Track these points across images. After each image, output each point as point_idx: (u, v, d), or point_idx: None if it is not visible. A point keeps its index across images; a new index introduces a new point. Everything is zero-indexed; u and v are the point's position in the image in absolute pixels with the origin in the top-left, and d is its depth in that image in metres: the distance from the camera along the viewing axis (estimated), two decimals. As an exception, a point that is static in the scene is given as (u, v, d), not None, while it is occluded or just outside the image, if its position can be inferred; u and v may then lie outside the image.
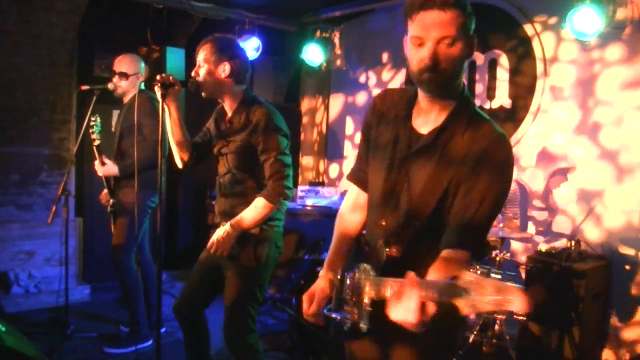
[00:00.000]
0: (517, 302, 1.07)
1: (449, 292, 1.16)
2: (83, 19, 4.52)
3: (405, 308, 1.22)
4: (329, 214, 4.40)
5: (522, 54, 4.22)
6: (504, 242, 3.61)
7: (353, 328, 1.58)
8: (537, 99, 4.13)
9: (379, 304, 1.45)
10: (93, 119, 3.50)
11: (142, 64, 3.73)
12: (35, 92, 4.49)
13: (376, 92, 5.35)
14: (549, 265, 3.44)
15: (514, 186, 4.06)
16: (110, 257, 3.62)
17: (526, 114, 4.18)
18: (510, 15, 4.27)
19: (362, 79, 5.56)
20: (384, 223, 1.58)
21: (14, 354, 2.25)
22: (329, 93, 5.98)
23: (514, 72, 4.28)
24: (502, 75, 4.34)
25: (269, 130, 2.41)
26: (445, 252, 1.44)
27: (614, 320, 3.64)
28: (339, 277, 1.67)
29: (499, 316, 3.33)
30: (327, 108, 6.01)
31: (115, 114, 4.76)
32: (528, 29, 4.16)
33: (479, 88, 4.47)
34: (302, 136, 6.18)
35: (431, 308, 1.20)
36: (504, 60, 4.33)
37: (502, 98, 4.35)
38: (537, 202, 4.09)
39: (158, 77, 2.27)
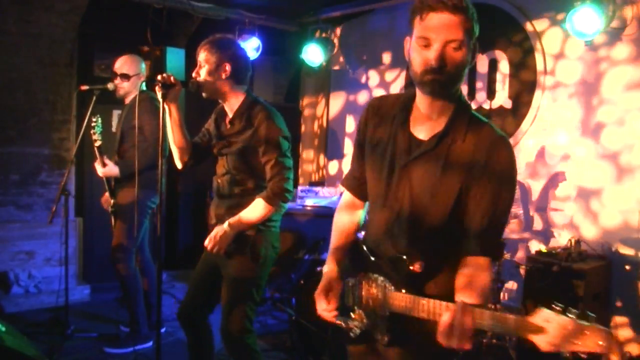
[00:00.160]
0: (609, 346, 1.09)
1: (523, 327, 1.20)
2: (83, 19, 4.52)
3: (459, 337, 1.27)
4: (328, 214, 4.37)
5: (522, 54, 4.22)
6: (504, 242, 3.61)
7: (362, 336, 1.58)
8: (537, 99, 4.13)
9: (400, 319, 1.48)
10: (94, 119, 3.50)
11: (143, 64, 3.73)
12: (35, 92, 4.49)
13: (376, 92, 5.39)
14: (549, 265, 3.44)
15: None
16: (110, 257, 3.62)
17: (526, 114, 4.19)
18: (510, 15, 4.27)
19: (362, 79, 5.56)
20: (387, 231, 1.58)
21: (14, 354, 2.25)
22: (328, 93, 5.98)
23: (514, 72, 4.28)
24: (502, 75, 4.35)
25: (271, 132, 2.40)
26: (468, 261, 1.47)
27: (614, 320, 3.64)
28: (344, 284, 1.67)
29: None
30: (327, 108, 6.01)
31: (115, 114, 4.77)
32: (528, 28, 4.17)
33: (479, 88, 4.47)
34: (302, 136, 6.19)
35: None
36: (504, 61, 4.33)
37: (502, 98, 4.35)
38: (537, 202, 4.09)
39: (159, 78, 2.27)
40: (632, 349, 3.55)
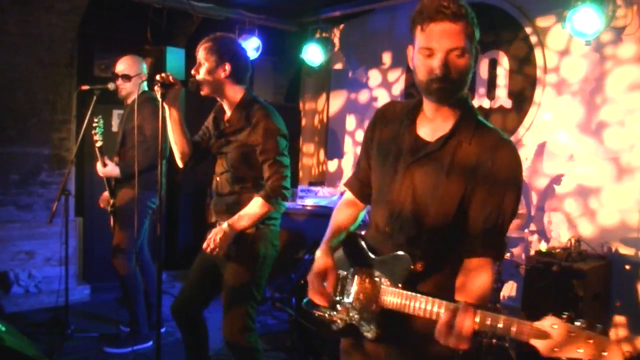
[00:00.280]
0: (612, 357, 1.09)
1: (527, 332, 1.19)
2: (83, 19, 4.52)
3: (457, 337, 1.27)
4: (328, 214, 4.36)
5: (522, 54, 4.22)
6: (506, 243, 3.60)
7: (346, 329, 1.59)
8: (537, 99, 4.13)
9: (392, 314, 1.48)
10: (96, 120, 3.50)
11: (144, 65, 3.73)
12: (35, 92, 4.49)
13: (376, 92, 5.40)
14: (549, 265, 3.44)
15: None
16: (110, 257, 3.62)
17: (526, 114, 4.19)
18: (510, 15, 4.27)
19: (362, 78, 5.56)
20: (387, 230, 1.59)
21: (14, 354, 2.25)
22: (329, 93, 5.98)
23: (514, 72, 4.28)
24: (503, 75, 4.35)
25: (269, 131, 2.41)
26: (470, 262, 1.48)
27: (614, 320, 3.64)
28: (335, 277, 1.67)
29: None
30: (327, 108, 6.01)
31: (115, 113, 4.77)
32: (528, 28, 4.17)
33: (479, 88, 4.47)
34: (302, 135, 6.18)
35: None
36: (504, 60, 4.33)
37: (502, 98, 4.35)
38: (537, 202, 4.10)
39: (158, 77, 2.27)
40: (632, 348, 3.55)
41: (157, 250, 2.45)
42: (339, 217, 1.80)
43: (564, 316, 1.16)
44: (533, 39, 4.14)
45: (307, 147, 6.23)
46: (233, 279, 2.49)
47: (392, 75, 5.26)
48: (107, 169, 3.55)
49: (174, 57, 5.00)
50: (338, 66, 5.82)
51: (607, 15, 3.51)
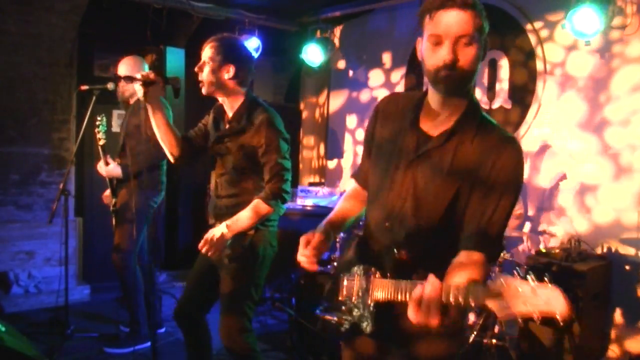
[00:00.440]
0: (557, 305, 1.08)
1: (481, 294, 1.18)
2: (83, 19, 4.52)
3: (426, 312, 1.25)
4: (328, 214, 4.39)
5: (523, 54, 4.22)
6: (503, 245, 3.61)
7: (352, 329, 1.59)
8: (537, 99, 4.13)
9: (385, 306, 1.47)
10: (99, 118, 3.50)
11: (146, 65, 3.74)
12: (35, 92, 4.49)
13: (376, 92, 5.39)
14: (549, 265, 3.44)
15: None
16: (110, 257, 3.62)
17: (526, 114, 4.19)
18: (510, 15, 4.27)
19: (362, 78, 5.56)
20: (387, 225, 1.58)
21: (14, 354, 2.25)
22: (329, 93, 5.98)
23: (514, 72, 4.28)
24: (503, 75, 4.35)
25: (271, 133, 2.40)
26: (461, 255, 1.46)
27: (614, 320, 3.64)
28: (334, 279, 1.67)
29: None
30: (327, 108, 6.01)
31: (115, 114, 4.78)
32: (528, 29, 4.16)
33: (479, 88, 4.47)
34: (302, 136, 6.19)
35: (453, 311, 1.22)
36: (504, 61, 4.33)
37: (503, 98, 4.35)
38: (537, 201, 4.10)
39: (138, 76, 2.27)
40: (632, 348, 3.55)
41: (153, 249, 2.44)
42: (345, 205, 1.83)
43: (517, 275, 1.16)
44: (533, 39, 4.14)
45: (307, 145, 6.23)
46: (231, 279, 2.48)
47: (392, 76, 5.26)
48: (109, 167, 3.55)
49: (174, 57, 5.00)
50: (338, 66, 5.82)
51: (607, 16, 3.51)
